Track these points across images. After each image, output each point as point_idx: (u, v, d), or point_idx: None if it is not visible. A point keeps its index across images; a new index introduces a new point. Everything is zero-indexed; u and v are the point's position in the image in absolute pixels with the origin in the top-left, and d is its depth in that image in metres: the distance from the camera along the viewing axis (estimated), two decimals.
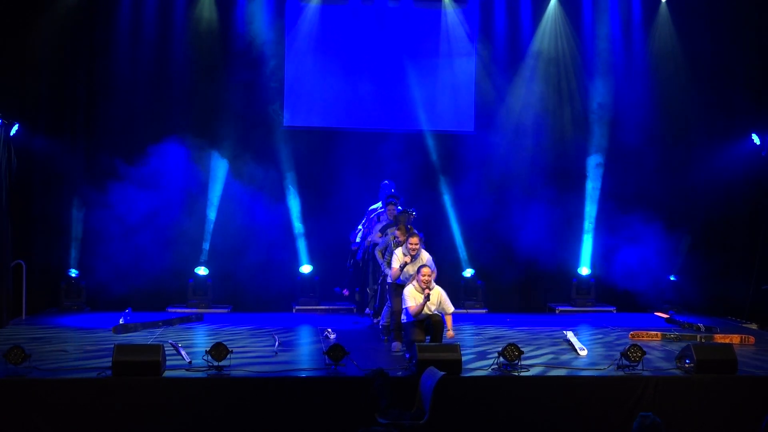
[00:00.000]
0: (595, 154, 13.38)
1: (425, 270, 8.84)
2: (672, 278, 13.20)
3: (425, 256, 9.37)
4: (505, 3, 13.42)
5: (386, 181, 11.86)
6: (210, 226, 12.78)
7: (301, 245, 13.04)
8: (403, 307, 8.93)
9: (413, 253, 9.27)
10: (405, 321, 8.97)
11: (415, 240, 9.27)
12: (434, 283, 8.97)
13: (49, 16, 12.28)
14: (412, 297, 8.84)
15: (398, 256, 9.32)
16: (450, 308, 9.03)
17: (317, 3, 13.15)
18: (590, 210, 13.34)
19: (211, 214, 12.80)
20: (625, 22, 13.50)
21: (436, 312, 8.87)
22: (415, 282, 8.94)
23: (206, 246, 12.73)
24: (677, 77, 13.41)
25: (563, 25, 13.51)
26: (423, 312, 8.77)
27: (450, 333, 8.97)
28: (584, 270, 13.33)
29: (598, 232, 13.35)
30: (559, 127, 13.50)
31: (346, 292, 12.56)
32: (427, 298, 8.74)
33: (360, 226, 11.71)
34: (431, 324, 8.76)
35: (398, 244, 9.59)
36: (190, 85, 12.78)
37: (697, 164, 13.32)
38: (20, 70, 11.98)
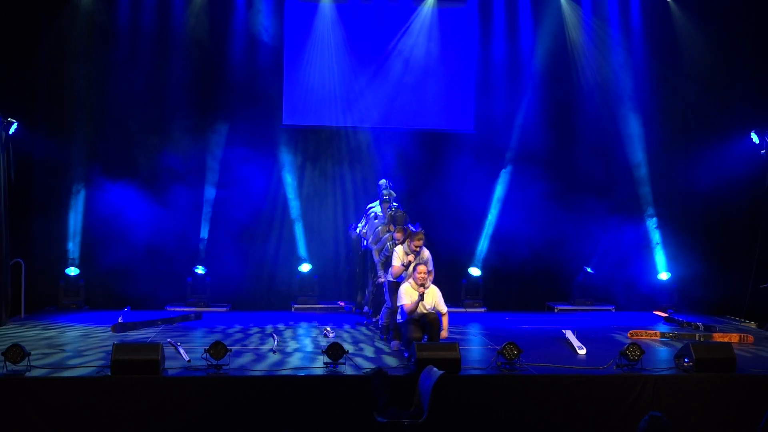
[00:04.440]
0: (596, 153, 13.36)
1: (421, 267, 8.87)
2: (667, 276, 13.19)
3: (426, 254, 9.35)
4: (505, 1, 13.40)
5: (383, 180, 11.84)
6: (208, 225, 12.76)
7: (300, 244, 13.04)
8: (399, 304, 8.93)
9: (416, 250, 9.25)
10: (401, 320, 8.96)
11: (419, 238, 9.23)
12: (430, 282, 8.97)
13: (49, 14, 12.29)
14: (407, 295, 8.83)
15: (399, 255, 9.28)
16: (444, 309, 8.99)
17: (316, 2, 13.13)
18: (590, 209, 13.31)
19: (210, 213, 12.78)
20: (625, 21, 13.47)
21: (431, 310, 8.87)
22: (411, 280, 8.94)
23: (202, 246, 12.71)
24: (677, 76, 13.40)
25: (564, 24, 13.48)
26: (418, 310, 8.78)
27: (444, 333, 8.94)
28: (586, 269, 13.31)
29: (597, 231, 13.33)
30: (559, 125, 13.47)
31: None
32: (422, 297, 8.75)
33: (360, 224, 11.70)
34: (427, 322, 8.75)
35: (396, 243, 9.58)
36: (189, 84, 12.75)
37: (696, 163, 13.30)
38: (19, 68, 11.96)
